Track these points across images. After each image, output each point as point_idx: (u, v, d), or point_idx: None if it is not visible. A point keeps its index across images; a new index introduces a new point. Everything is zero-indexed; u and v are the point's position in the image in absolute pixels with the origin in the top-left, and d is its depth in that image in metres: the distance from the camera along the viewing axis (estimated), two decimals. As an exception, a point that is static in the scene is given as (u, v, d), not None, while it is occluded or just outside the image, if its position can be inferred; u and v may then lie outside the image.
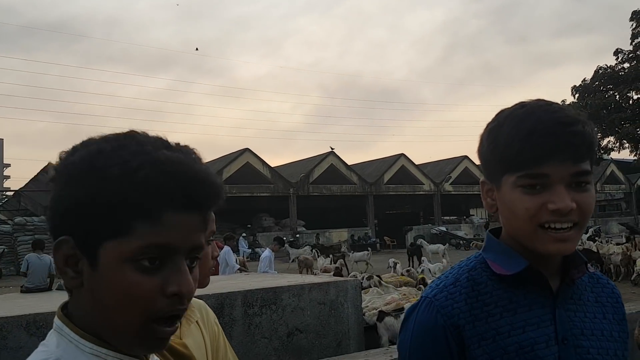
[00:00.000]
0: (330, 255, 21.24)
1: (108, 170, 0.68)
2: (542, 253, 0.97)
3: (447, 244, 25.22)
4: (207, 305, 1.53)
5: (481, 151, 1.03)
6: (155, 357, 0.82)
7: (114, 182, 0.68)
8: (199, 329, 1.40)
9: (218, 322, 1.54)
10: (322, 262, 18.38)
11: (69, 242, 0.70)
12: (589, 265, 1.05)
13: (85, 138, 0.75)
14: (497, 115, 1.01)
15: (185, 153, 0.73)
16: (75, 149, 0.73)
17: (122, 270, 0.68)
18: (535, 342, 0.96)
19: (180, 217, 0.70)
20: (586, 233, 30.95)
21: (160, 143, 0.73)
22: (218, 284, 5.82)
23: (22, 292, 9.58)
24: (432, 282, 1.08)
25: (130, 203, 0.68)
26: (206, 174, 0.72)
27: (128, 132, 0.74)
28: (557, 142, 0.93)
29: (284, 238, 12.01)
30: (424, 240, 25.45)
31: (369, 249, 25.10)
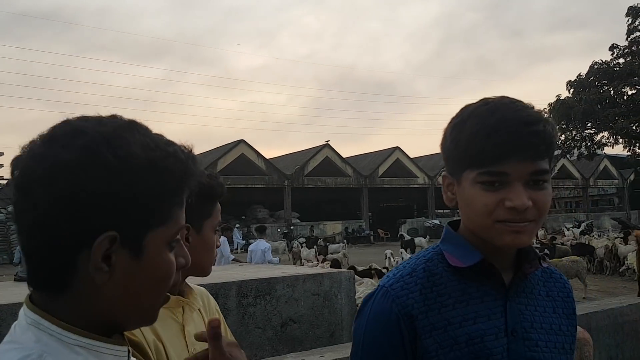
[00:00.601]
0: (315, 247, 21.83)
1: (165, 162, 0.71)
2: (499, 245, 0.99)
3: (428, 237, 25.64)
4: (209, 293, 1.54)
5: (444, 146, 1.05)
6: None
7: (173, 174, 0.72)
8: (200, 316, 1.41)
9: (219, 310, 1.55)
10: (306, 253, 18.82)
11: (112, 236, 0.68)
12: (542, 260, 1.07)
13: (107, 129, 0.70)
14: (461, 110, 1.03)
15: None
16: (108, 140, 0.68)
17: (165, 253, 0.73)
18: (485, 333, 0.99)
19: (184, 200, 0.77)
20: (578, 227, 31.16)
21: (153, 132, 0.77)
22: (213, 274, 5.82)
23: (15, 280, 9.55)
24: (390, 271, 1.10)
25: (180, 192, 0.74)
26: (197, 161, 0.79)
27: (123, 118, 0.74)
28: (518, 141, 0.94)
29: (266, 227, 12.22)
30: (418, 233, 25.70)
31: (345, 241, 25.42)
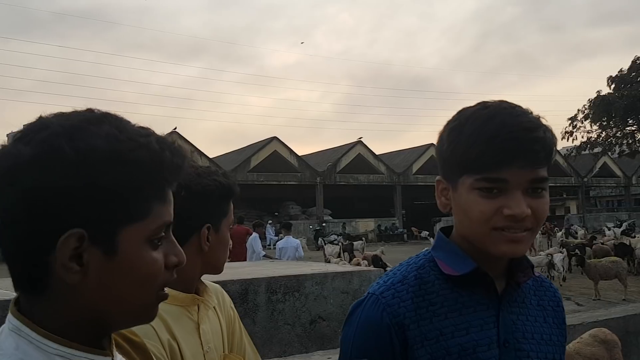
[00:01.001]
0: (340, 244, 21.81)
1: (134, 154, 0.67)
2: (494, 254, 0.96)
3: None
4: (223, 290, 1.54)
5: (440, 149, 1.02)
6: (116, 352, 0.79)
7: (142, 166, 0.67)
8: (215, 314, 1.42)
9: (234, 307, 1.55)
10: (330, 249, 18.97)
11: (79, 234, 0.64)
12: (534, 269, 1.05)
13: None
14: (459, 114, 1.00)
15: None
16: (70, 133, 0.65)
17: (143, 250, 0.69)
18: (478, 344, 0.96)
19: (171, 193, 0.74)
20: (620, 227, 30.19)
21: (135, 125, 0.73)
22: (243, 270, 5.89)
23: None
24: (380, 278, 1.06)
25: (153, 185, 0.69)
26: (185, 153, 0.75)
27: (97, 111, 0.71)
28: (519, 147, 0.92)
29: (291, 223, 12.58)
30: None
31: (363, 239, 25.56)
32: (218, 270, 1.41)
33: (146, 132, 0.70)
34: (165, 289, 1.27)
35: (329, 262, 14.62)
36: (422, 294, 0.99)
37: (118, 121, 0.70)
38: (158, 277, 0.71)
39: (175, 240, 0.75)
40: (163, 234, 0.71)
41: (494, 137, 0.92)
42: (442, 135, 1.02)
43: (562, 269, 13.67)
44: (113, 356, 0.74)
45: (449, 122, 1.01)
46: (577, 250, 13.85)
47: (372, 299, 1.01)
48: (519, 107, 0.98)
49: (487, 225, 0.95)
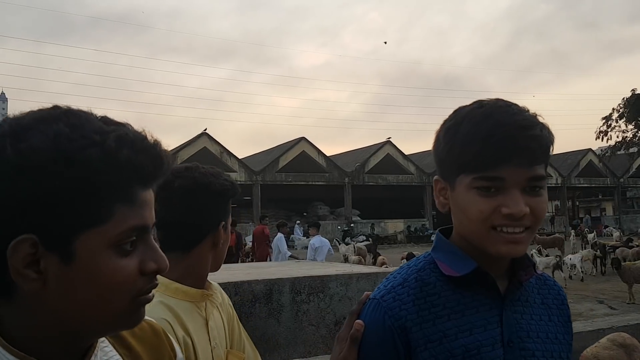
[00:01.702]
0: (352, 243, 22.04)
1: (84, 154, 0.62)
2: (493, 254, 0.96)
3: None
4: (221, 289, 1.58)
5: (437, 149, 1.02)
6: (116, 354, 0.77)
7: (93, 166, 0.62)
8: (218, 311, 1.45)
9: (232, 305, 1.59)
10: (344, 249, 18.90)
11: (31, 240, 0.61)
12: (536, 266, 1.04)
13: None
14: (455, 113, 1.00)
15: (130, 127, 0.69)
16: (16, 133, 0.62)
17: (105, 257, 0.64)
18: (482, 344, 0.95)
19: (147, 195, 0.68)
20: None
21: (104, 119, 0.68)
22: (268, 270, 5.94)
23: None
24: (381, 283, 1.06)
25: (111, 186, 0.64)
26: (161, 148, 0.69)
27: (60, 108, 0.67)
28: (516, 145, 0.92)
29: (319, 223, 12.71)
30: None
31: (370, 239, 25.35)
32: (218, 267, 1.47)
33: (107, 129, 0.65)
34: (177, 285, 1.31)
35: (347, 260, 14.77)
36: (424, 296, 0.99)
37: (77, 117, 0.65)
38: (127, 284, 0.66)
39: (155, 245, 0.69)
40: (134, 238, 0.66)
41: (491, 136, 0.92)
42: (439, 135, 1.02)
43: (579, 270, 13.50)
44: None
45: (445, 122, 1.01)
46: (614, 251, 13.49)
47: (373, 304, 1.00)
48: (515, 105, 0.98)
49: (486, 224, 0.94)
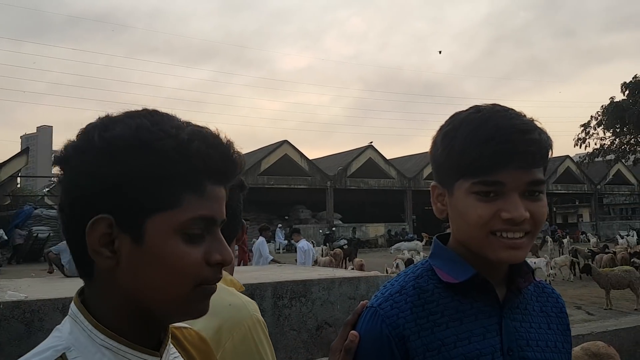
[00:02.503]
0: (323, 246, 22.60)
1: (160, 143, 0.68)
2: (492, 260, 0.94)
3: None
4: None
5: (434, 155, 1.00)
6: (175, 351, 0.81)
7: (167, 154, 0.68)
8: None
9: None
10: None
11: (108, 219, 0.67)
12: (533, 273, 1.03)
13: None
14: (452, 118, 0.99)
15: (208, 129, 0.74)
16: (105, 125, 0.70)
17: (172, 241, 0.68)
18: (481, 353, 0.94)
19: (216, 189, 0.72)
20: (633, 236, 29.77)
21: (186, 122, 0.73)
22: (250, 275, 5.88)
23: (66, 275, 9.91)
24: (378, 290, 1.04)
25: (182, 175, 0.69)
26: (232, 149, 0.74)
27: (148, 109, 0.74)
28: (515, 149, 0.91)
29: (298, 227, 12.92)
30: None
31: (346, 240, 25.57)
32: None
33: (181, 125, 0.71)
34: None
35: (316, 262, 15.14)
36: (422, 304, 0.97)
37: (160, 116, 0.72)
38: (191, 270, 0.69)
39: (222, 239, 0.73)
40: (201, 228, 0.70)
41: (489, 140, 0.91)
42: (436, 140, 1.01)
43: (546, 275, 13.75)
44: (161, 357, 0.74)
45: (442, 127, 1.00)
46: (593, 257, 13.73)
47: (370, 312, 0.98)
48: (512, 110, 0.97)
49: (485, 230, 0.93)
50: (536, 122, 0.96)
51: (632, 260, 14.79)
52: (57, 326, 0.72)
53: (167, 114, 0.73)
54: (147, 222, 0.68)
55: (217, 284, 0.74)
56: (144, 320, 0.72)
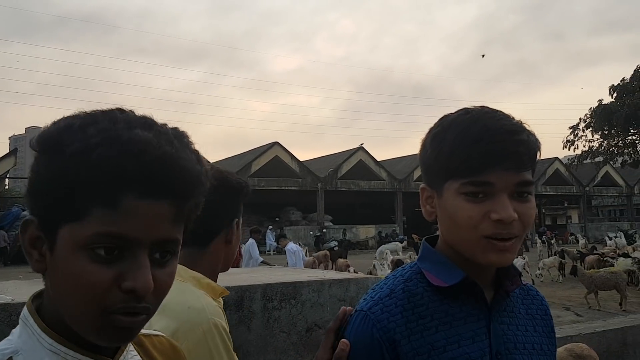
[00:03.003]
0: (306, 247, 22.72)
1: (69, 147, 0.62)
2: (482, 263, 0.95)
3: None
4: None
5: (423, 156, 1.01)
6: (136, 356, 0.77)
7: (71, 159, 0.62)
8: None
9: None
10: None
11: (34, 222, 0.66)
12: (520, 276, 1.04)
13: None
14: (441, 120, 1.00)
15: (163, 134, 0.65)
16: (53, 123, 0.67)
17: (75, 256, 0.62)
18: (470, 357, 0.94)
19: (143, 205, 0.63)
20: (620, 237, 30.00)
21: (139, 122, 0.65)
22: (239, 277, 5.87)
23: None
24: (367, 293, 1.03)
25: (86, 184, 0.62)
26: (177, 158, 0.64)
27: (110, 109, 0.68)
28: (504, 150, 0.91)
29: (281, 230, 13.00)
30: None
31: (336, 242, 25.78)
32: (228, 267, 1.45)
33: (108, 128, 0.63)
34: (209, 280, 1.27)
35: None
36: (411, 307, 0.97)
37: (106, 115, 0.65)
38: (93, 292, 0.62)
39: (144, 264, 0.64)
40: (110, 246, 0.63)
41: (478, 141, 0.92)
42: (425, 142, 1.01)
43: (532, 277, 13.92)
44: None
45: (431, 129, 1.01)
46: (582, 259, 13.86)
47: (361, 316, 0.97)
48: (501, 112, 0.98)
49: (476, 232, 0.93)
50: (524, 124, 0.97)
51: (605, 259, 15.05)
52: (13, 329, 0.70)
53: (126, 115, 0.66)
54: (59, 232, 0.63)
55: (144, 316, 0.65)
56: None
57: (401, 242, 23.85)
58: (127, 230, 0.62)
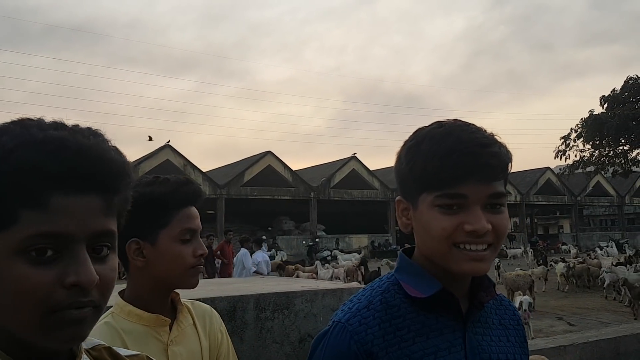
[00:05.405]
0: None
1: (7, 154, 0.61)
2: (456, 273, 0.95)
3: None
4: (213, 311, 1.51)
5: (399, 169, 1.02)
6: None
7: (8, 167, 0.60)
8: (196, 335, 1.39)
9: (224, 330, 1.51)
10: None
11: None
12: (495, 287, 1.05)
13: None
14: (415, 133, 1.01)
15: (78, 132, 0.65)
16: None
17: (11, 263, 0.61)
18: None
19: (72, 200, 0.63)
20: (612, 247, 30.16)
21: (51, 125, 0.65)
22: (232, 287, 5.83)
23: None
24: (344, 304, 1.03)
25: (9, 190, 0.61)
26: (97, 149, 0.64)
27: (19, 118, 0.67)
28: (476, 162, 0.93)
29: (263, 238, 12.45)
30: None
31: (330, 252, 26.04)
32: (181, 284, 1.34)
33: (20, 132, 0.63)
34: (131, 308, 1.24)
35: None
36: (389, 319, 0.97)
37: (22, 124, 0.65)
38: (36, 295, 0.61)
39: (84, 257, 0.63)
40: (48, 246, 0.62)
41: (451, 153, 0.93)
42: (400, 155, 1.03)
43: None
44: None
45: (406, 142, 1.02)
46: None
47: (338, 327, 0.97)
48: (473, 125, 0.99)
49: (448, 242, 0.94)
50: (496, 137, 0.98)
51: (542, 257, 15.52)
52: None
53: (36, 121, 0.66)
54: None
55: (95, 308, 0.65)
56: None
57: (359, 254, 24.37)
58: (60, 228, 0.62)
